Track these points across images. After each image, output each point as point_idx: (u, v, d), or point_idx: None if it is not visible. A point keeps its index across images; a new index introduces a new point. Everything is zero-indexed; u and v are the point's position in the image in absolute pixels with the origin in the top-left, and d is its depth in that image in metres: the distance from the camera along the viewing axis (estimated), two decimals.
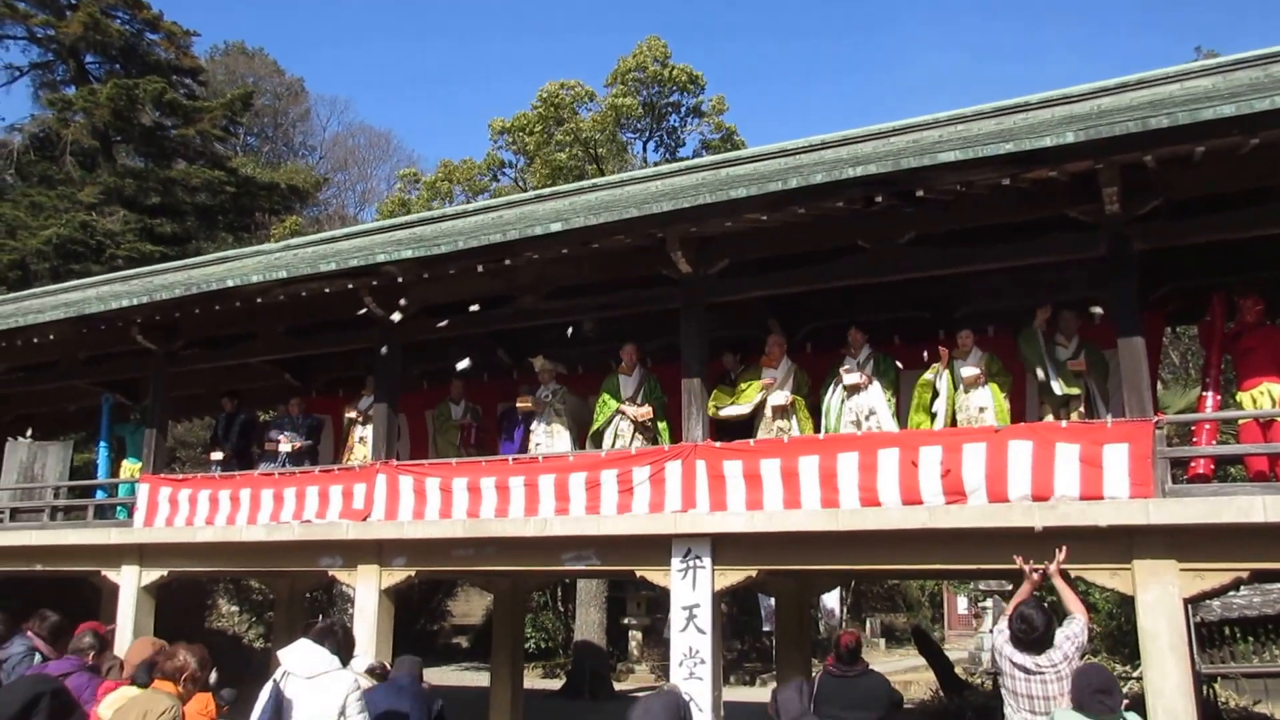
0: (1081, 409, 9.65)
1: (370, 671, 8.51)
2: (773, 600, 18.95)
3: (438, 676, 12.84)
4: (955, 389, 10.19)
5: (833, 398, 10.59)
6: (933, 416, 10.27)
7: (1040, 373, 9.95)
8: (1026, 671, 6.94)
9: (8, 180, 32.26)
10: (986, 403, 10.05)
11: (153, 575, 13.63)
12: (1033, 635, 6.98)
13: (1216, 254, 10.02)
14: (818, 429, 10.64)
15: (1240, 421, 9.63)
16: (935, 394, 10.25)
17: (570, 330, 12.03)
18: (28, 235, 27.92)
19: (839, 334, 10.95)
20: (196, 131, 32.26)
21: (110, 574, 13.96)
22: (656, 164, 26.19)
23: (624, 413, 11.43)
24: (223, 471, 14.19)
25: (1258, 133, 7.70)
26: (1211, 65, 9.71)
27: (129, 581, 13.70)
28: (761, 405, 10.87)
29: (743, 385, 10.98)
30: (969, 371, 10.02)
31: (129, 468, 15.44)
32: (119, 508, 14.91)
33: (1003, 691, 7.24)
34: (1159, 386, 12.57)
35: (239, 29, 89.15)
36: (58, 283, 19.97)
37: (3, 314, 15.34)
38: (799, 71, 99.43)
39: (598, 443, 11.56)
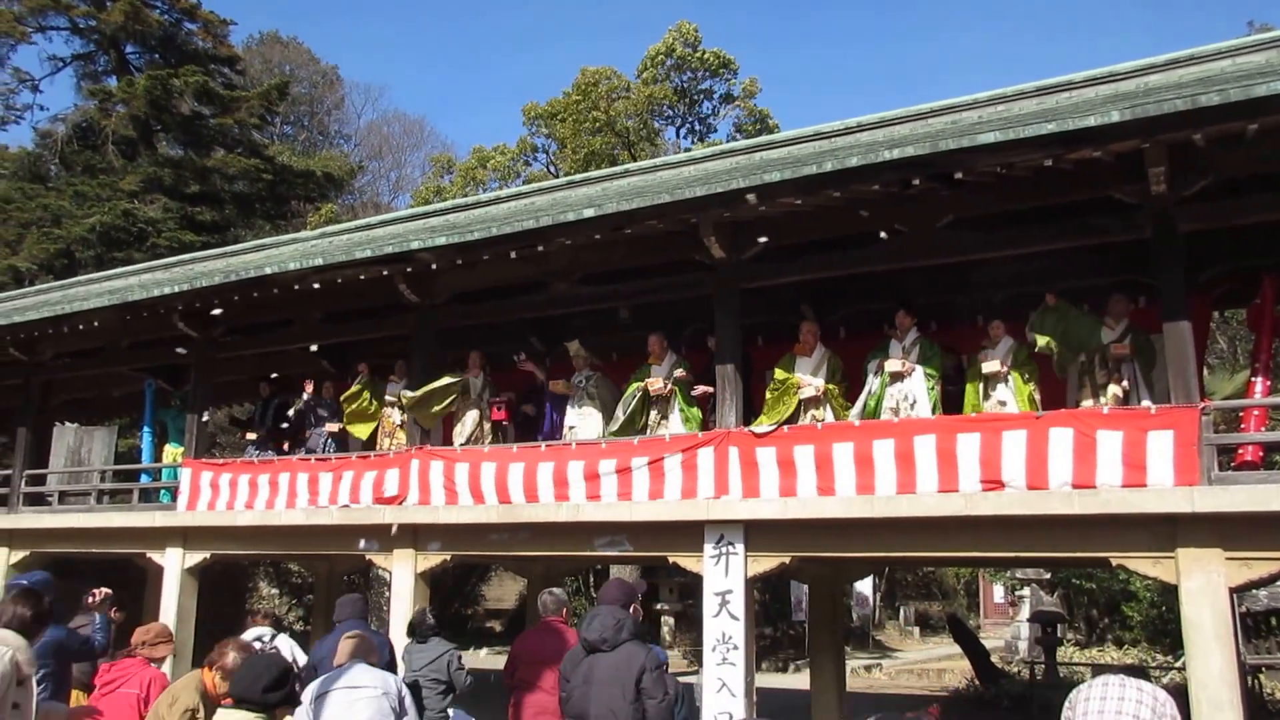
0: (1119, 394, 9.42)
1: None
2: (805, 588, 18.84)
3: (471, 660, 12.85)
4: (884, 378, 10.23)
5: (874, 381, 10.45)
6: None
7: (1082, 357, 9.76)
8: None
9: (52, 170, 32.63)
10: (918, 394, 10.05)
11: (195, 558, 13.88)
12: None
13: (1267, 235, 9.75)
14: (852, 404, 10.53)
15: None
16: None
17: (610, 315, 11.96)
18: (72, 224, 28.32)
19: (874, 319, 10.82)
20: (234, 120, 32.55)
21: (155, 556, 14.25)
22: (689, 149, 26.10)
23: (646, 388, 11.36)
24: (259, 452, 14.29)
25: None
26: (1265, 40, 9.47)
27: (173, 563, 13.96)
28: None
29: (774, 391, 10.81)
30: (990, 366, 9.87)
31: (171, 452, 15.70)
32: (163, 491, 15.10)
33: None
34: (1205, 372, 12.31)
35: (274, 18, 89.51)
36: (101, 270, 20.21)
37: (50, 301, 15.58)
38: (832, 54, 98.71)
39: (624, 433, 11.42)
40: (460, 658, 8.74)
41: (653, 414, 11.38)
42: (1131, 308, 9.98)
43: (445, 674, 8.56)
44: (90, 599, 9.76)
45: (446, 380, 12.36)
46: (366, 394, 13.62)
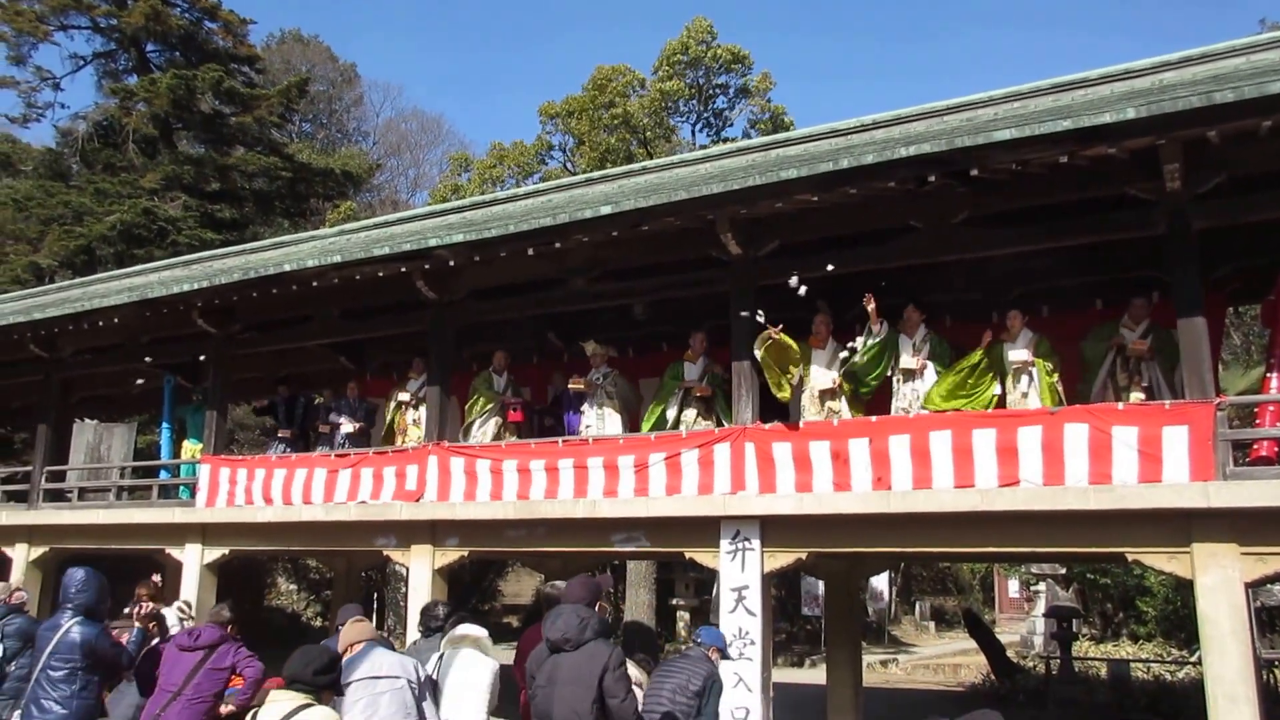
0: (1140, 397, 9.44)
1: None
2: (819, 584, 18.84)
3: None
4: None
5: (893, 375, 10.52)
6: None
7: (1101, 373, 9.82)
8: None
9: (73, 168, 32.81)
10: (928, 389, 10.13)
11: (215, 553, 13.97)
12: None
13: None
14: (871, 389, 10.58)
15: None
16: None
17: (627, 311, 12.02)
18: (93, 221, 28.49)
19: (889, 314, 10.82)
20: (254, 119, 32.72)
21: (174, 552, 14.32)
22: (704, 146, 26.13)
23: (688, 389, 11.46)
24: (288, 448, 14.40)
25: None
26: (1279, 38, 9.46)
27: (192, 559, 14.06)
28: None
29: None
30: (1017, 355, 9.88)
31: (190, 448, 15.77)
32: (182, 488, 15.17)
33: None
34: (1220, 368, 12.30)
35: (294, 16, 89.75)
36: (122, 267, 20.30)
37: (70, 298, 15.67)
38: (848, 49, 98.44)
39: (663, 427, 11.47)
40: None
41: (688, 411, 11.46)
42: (1151, 309, 9.98)
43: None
44: (138, 609, 9.34)
45: (484, 391, 12.52)
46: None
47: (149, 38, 32.90)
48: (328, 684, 5.49)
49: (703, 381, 11.49)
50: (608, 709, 6.44)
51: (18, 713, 7.78)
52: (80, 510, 15.59)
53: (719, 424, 11.18)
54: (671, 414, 11.48)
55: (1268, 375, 9.53)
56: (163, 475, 15.98)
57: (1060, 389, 9.85)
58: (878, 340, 10.36)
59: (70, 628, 7.69)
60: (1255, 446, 9.25)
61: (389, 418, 13.81)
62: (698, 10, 49.99)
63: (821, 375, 10.68)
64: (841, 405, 10.55)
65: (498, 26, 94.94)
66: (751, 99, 33.82)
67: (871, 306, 10.20)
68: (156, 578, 11.32)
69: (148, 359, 15.59)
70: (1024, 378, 9.88)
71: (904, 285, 11.17)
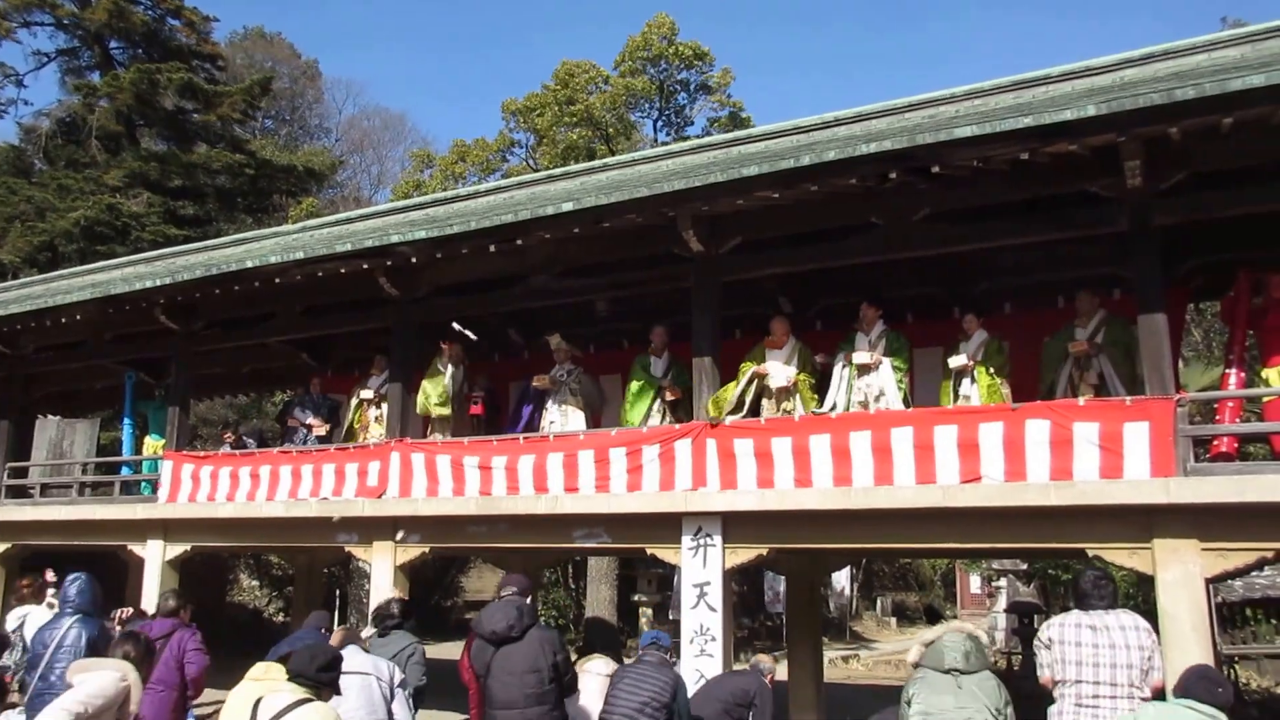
0: (1090, 390, 9.47)
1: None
2: (780, 580, 18.88)
3: (451, 651, 12.89)
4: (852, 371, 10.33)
5: (842, 372, 10.49)
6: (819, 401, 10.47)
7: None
8: (1094, 640, 6.56)
9: (36, 164, 32.61)
10: (886, 386, 10.11)
11: (176, 550, 13.86)
12: (1104, 588, 6.73)
13: (1243, 228, 9.80)
14: (822, 401, 10.54)
15: (1265, 400, 9.46)
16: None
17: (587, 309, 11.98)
18: (56, 217, 28.27)
19: (851, 311, 10.83)
20: (217, 116, 32.65)
21: (136, 548, 14.22)
22: (665, 143, 26.14)
23: (663, 391, 11.45)
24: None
25: None
26: (1240, 34, 9.49)
27: (154, 556, 13.95)
28: (756, 389, 10.76)
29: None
30: (955, 361, 9.93)
31: (152, 445, 15.72)
32: (144, 484, 15.09)
33: (1045, 673, 6.81)
34: (1180, 364, 12.35)
35: (257, 13, 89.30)
36: (85, 264, 20.14)
37: (32, 295, 15.56)
38: (809, 48, 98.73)
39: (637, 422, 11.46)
40: (422, 652, 8.48)
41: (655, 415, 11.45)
42: (1098, 302, 10.00)
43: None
44: (121, 613, 10.02)
45: (442, 381, 12.43)
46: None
47: (112, 35, 32.77)
48: (329, 681, 5.57)
49: (667, 378, 11.45)
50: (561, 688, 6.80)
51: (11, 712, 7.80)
52: (42, 507, 15.41)
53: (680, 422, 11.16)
54: (650, 417, 11.45)
55: (1226, 372, 9.58)
56: (125, 471, 15.87)
57: (1005, 390, 9.85)
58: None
59: (71, 627, 8.03)
60: (1215, 442, 9.28)
61: (350, 416, 13.72)
62: (661, 5, 49.77)
63: (779, 375, 10.64)
64: (796, 404, 10.53)
65: (461, 24, 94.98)
66: (712, 95, 33.89)
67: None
68: (49, 574, 11.27)
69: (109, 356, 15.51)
70: (964, 381, 9.91)
71: (866, 282, 11.20)
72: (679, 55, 32.59)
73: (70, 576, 8.42)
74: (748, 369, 10.71)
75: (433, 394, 12.47)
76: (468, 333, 12.13)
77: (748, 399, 10.65)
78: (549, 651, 6.82)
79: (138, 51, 33.29)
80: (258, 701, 5.45)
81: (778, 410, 10.52)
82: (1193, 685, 5.56)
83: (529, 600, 7.17)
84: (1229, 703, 5.56)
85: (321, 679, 5.47)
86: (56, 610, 8.76)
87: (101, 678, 6.04)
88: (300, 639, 8.05)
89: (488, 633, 7.02)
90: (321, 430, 14.08)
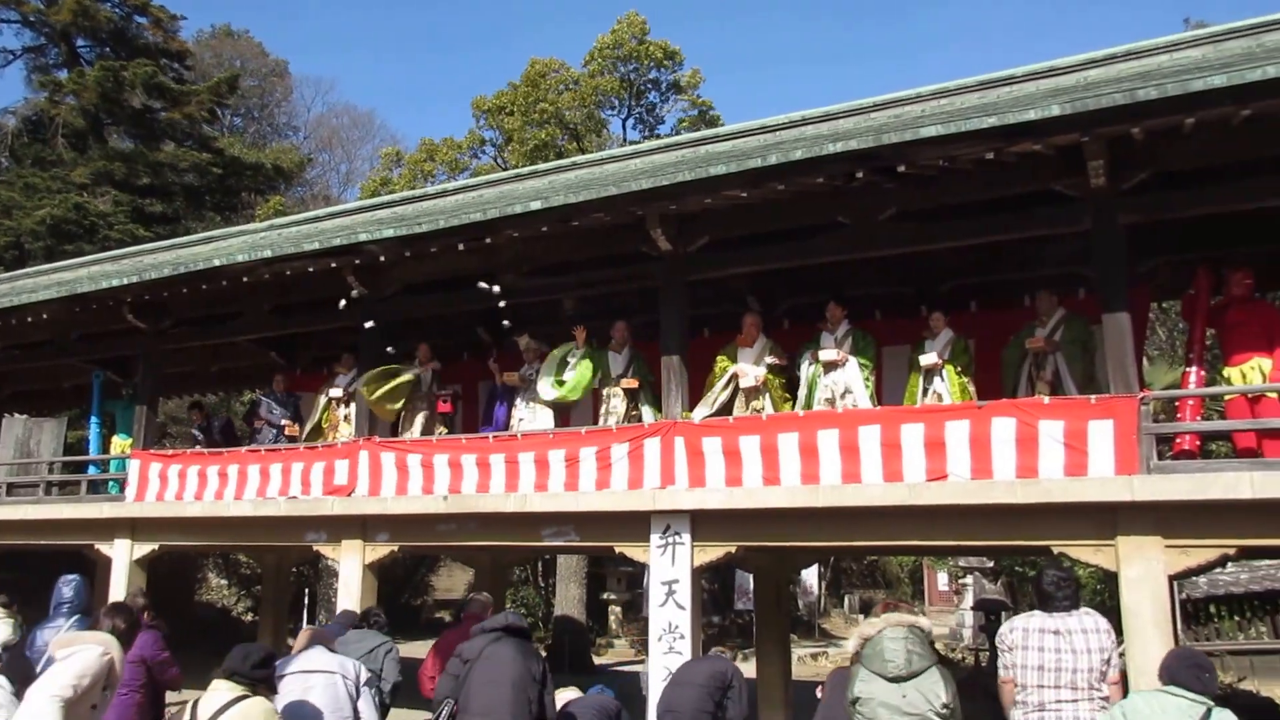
0: (1045, 387, 9.56)
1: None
2: (750, 577, 18.95)
3: (421, 650, 12.86)
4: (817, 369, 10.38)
5: (807, 371, 10.54)
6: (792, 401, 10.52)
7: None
8: (1055, 645, 6.35)
9: (2, 162, 32.44)
10: (853, 383, 10.17)
11: (144, 549, 13.80)
12: (1066, 589, 6.54)
13: (1206, 227, 9.91)
14: (793, 401, 10.59)
15: (1227, 398, 9.54)
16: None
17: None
18: (22, 215, 28.13)
19: (819, 310, 10.87)
20: (184, 114, 32.48)
21: (103, 547, 14.16)
22: (635, 142, 26.18)
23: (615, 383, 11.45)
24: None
25: (1249, 104, 7.56)
26: (1202, 35, 9.59)
27: (121, 555, 13.90)
28: (733, 388, 10.79)
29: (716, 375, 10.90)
30: (926, 359, 9.99)
31: (120, 444, 15.62)
32: (111, 483, 15.00)
33: (1006, 673, 6.58)
34: (1145, 362, 12.46)
35: (224, 12, 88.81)
36: (51, 262, 20.01)
37: None
38: (779, 46, 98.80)
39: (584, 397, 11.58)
40: (397, 650, 8.45)
41: (615, 400, 11.45)
42: (1057, 301, 10.07)
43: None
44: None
45: (405, 377, 12.33)
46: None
47: (79, 32, 32.62)
48: (263, 678, 5.63)
49: (629, 373, 11.47)
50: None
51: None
52: (8, 506, 15.29)
53: (642, 417, 11.19)
54: (601, 409, 11.46)
55: (1187, 370, 9.65)
56: (92, 470, 15.77)
57: (973, 389, 9.92)
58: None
59: (70, 627, 8.00)
60: (1178, 440, 9.34)
61: (318, 415, 13.68)
62: (632, 5, 49.70)
63: (748, 374, 10.67)
64: (765, 403, 10.56)
65: (431, 23, 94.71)
66: (682, 94, 33.95)
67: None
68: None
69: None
70: (935, 379, 9.96)
71: (834, 281, 11.25)
72: (649, 55, 32.64)
73: (65, 578, 8.52)
74: (725, 368, 10.73)
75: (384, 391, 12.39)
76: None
77: (721, 398, 10.70)
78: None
79: (105, 49, 33.13)
80: (195, 701, 5.51)
81: (748, 409, 10.55)
82: (1179, 672, 5.43)
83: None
84: (1215, 690, 5.46)
85: (255, 675, 5.55)
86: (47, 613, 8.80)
87: (85, 654, 6.03)
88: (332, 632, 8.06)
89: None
90: (294, 431, 14.02)
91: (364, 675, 6.81)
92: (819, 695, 7.38)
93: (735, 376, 10.73)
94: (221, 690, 5.45)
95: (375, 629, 8.67)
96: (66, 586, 8.45)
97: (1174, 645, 8.25)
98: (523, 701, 6.65)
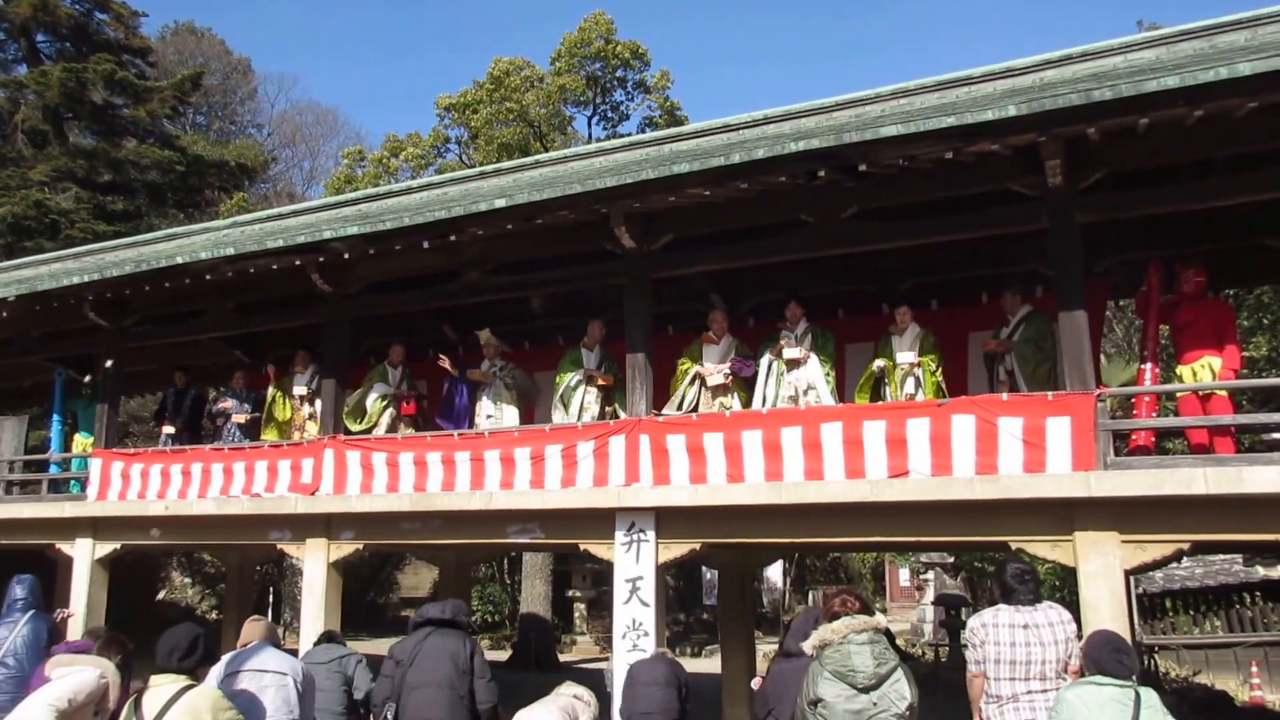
0: (1004, 380, 9.72)
1: None
2: (714, 573, 19.04)
3: (387, 647, 12.84)
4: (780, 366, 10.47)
5: (765, 363, 10.61)
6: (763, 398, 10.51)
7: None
8: (1026, 638, 6.54)
9: None
10: (816, 380, 10.28)
11: (106, 548, 13.71)
12: (1029, 583, 6.72)
13: (1162, 226, 10.05)
14: (750, 402, 10.66)
15: (1179, 395, 9.69)
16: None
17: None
18: None
19: (782, 308, 10.95)
20: (146, 111, 32.29)
21: (65, 547, 14.03)
22: (600, 140, 26.21)
23: (591, 377, 11.50)
24: (173, 445, 14.15)
25: (1202, 104, 7.69)
26: (1156, 37, 9.67)
27: (83, 554, 13.78)
28: (699, 386, 10.87)
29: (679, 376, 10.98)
30: (904, 358, 10.07)
31: (81, 442, 15.50)
32: (72, 481, 14.91)
33: (976, 668, 6.75)
34: (1102, 360, 12.61)
35: (186, 8, 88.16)
36: (11, 260, 19.79)
37: None
38: (745, 48, 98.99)
39: (566, 407, 11.53)
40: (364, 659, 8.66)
41: (589, 396, 11.52)
42: (1019, 300, 10.22)
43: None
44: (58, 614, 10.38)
45: (381, 390, 12.39)
46: (279, 396, 13.63)
47: (38, 28, 32.24)
48: (196, 664, 5.66)
49: (601, 369, 11.52)
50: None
51: None
52: None
53: (616, 414, 11.22)
54: (574, 403, 11.50)
55: (1142, 367, 9.79)
56: (53, 469, 15.65)
57: (944, 385, 10.04)
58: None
59: (25, 623, 8.64)
60: (1134, 437, 9.49)
61: (266, 407, 13.71)
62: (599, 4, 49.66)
63: (714, 372, 10.74)
64: (733, 401, 10.64)
65: (395, 20, 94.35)
66: (649, 94, 33.99)
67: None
68: None
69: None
70: (910, 379, 10.06)
71: (797, 279, 11.33)
72: (616, 55, 32.67)
73: (19, 577, 8.89)
74: (689, 368, 10.81)
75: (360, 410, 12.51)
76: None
77: (688, 396, 10.77)
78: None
79: (65, 45, 32.84)
80: (138, 697, 5.54)
81: (714, 406, 10.62)
82: (1102, 658, 5.62)
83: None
84: (1136, 669, 5.66)
85: (186, 666, 5.59)
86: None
87: (83, 674, 6.12)
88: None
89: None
90: (242, 419, 13.95)
91: (304, 678, 6.88)
92: (754, 686, 7.49)
93: (699, 375, 10.81)
94: (165, 684, 5.48)
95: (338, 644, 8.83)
96: (19, 586, 8.86)
97: (1132, 640, 8.41)
98: (455, 700, 6.74)
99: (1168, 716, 5.50)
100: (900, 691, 5.68)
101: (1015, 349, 9.81)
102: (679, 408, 10.71)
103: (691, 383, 10.80)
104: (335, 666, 8.38)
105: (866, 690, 5.63)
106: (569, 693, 8.19)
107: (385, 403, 12.55)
